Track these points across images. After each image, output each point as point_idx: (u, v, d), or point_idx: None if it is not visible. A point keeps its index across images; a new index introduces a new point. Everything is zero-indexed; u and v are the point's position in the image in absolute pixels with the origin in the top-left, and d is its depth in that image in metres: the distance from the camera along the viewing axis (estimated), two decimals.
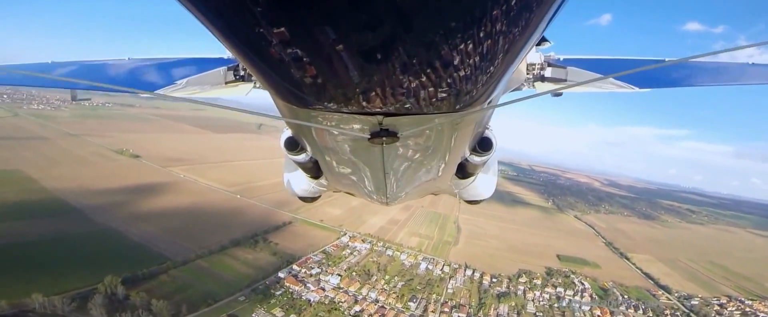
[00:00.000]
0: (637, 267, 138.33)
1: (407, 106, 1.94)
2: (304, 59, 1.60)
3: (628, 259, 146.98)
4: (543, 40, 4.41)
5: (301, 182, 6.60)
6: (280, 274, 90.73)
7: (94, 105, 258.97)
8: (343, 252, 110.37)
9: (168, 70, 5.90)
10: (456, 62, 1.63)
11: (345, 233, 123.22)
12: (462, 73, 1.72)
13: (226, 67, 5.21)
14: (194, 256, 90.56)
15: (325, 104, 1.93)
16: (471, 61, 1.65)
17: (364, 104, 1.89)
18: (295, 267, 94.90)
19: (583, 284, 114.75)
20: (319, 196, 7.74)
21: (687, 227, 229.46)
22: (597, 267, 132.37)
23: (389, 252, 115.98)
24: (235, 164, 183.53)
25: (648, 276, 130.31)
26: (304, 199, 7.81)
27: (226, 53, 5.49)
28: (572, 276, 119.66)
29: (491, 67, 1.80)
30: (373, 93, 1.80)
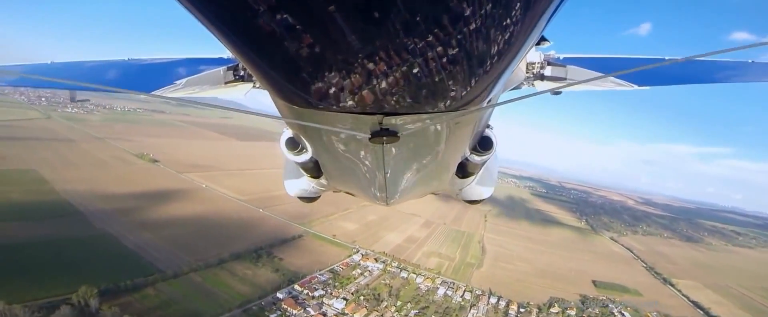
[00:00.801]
0: (682, 295, 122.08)
1: (407, 105, 1.92)
2: (305, 59, 1.58)
3: (672, 285, 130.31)
4: (543, 39, 4.32)
5: (301, 182, 6.60)
6: (279, 295, 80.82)
7: (126, 110, 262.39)
8: (353, 272, 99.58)
9: (166, 71, 5.63)
10: (456, 61, 1.62)
11: (357, 250, 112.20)
12: (462, 72, 1.71)
13: (225, 68, 4.97)
14: (187, 269, 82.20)
15: (326, 103, 1.89)
16: (471, 60, 1.65)
17: (364, 103, 1.86)
18: (296, 286, 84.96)
19: (622, 314, 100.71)
20: (319, 196, 7.60)
21: (735, 251, 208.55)
22: (638, 294, 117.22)
23: (404, 274, 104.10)
24: (254, 173, 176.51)
25: (696, 304, 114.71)
26: (303, 199, 7.68)
27: (226, 53, 5.32)
28: (610, 305, 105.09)
29: (491, 66, 1.78)
30: (374, 93, 1.78)
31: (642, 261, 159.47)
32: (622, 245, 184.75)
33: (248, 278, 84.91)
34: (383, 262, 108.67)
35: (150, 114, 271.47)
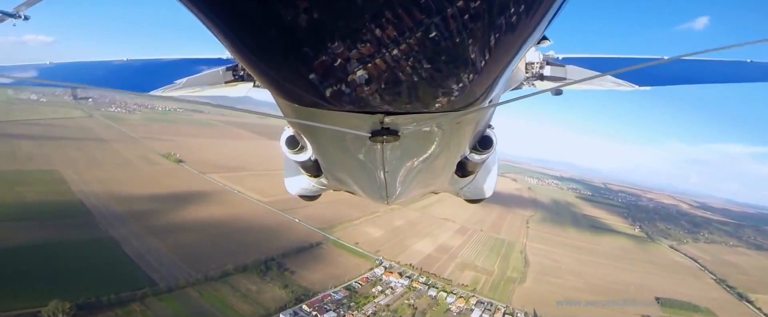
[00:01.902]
0: (763, 314, 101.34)
1: (408, 104, 1.90)
2: (305, 58, 1.56)
3: (750, 302, 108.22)
4: (543, 38, 4.26)
5: (302, 181, 6.52)
6: (282, 316, 68.02)
7: (166, 110, 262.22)
8: (373, 289, 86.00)
9: (166, 71, 5.57)
10: (457, 61, 1.61)
11: (380, 263, 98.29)
12: (463, 71, 1.69)
13: (225, 67, 5.01)
14: (184, 282, 71.79)
15: (326, 102, 1.86)
16: (472, 59, 1.63)
17: (365, 102, 1.83)
18: (304, 307, 72.55)
19: None
20: (319, 195, 7.54)
21: None
22: (711, 314, 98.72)
23: (432, 292, 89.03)
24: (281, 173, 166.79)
25: None
26: (304, 198, 7.64)
27: (225, 53, 5.17)
28: None
29: (492, 66, 1.76)
30: (374, 92, 1.75)
31: (710, 273, 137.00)
32: (684, 254, 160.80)
33: (251, 294, 73.67)
34: (408, 277, 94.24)
35: (189, 114, 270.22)
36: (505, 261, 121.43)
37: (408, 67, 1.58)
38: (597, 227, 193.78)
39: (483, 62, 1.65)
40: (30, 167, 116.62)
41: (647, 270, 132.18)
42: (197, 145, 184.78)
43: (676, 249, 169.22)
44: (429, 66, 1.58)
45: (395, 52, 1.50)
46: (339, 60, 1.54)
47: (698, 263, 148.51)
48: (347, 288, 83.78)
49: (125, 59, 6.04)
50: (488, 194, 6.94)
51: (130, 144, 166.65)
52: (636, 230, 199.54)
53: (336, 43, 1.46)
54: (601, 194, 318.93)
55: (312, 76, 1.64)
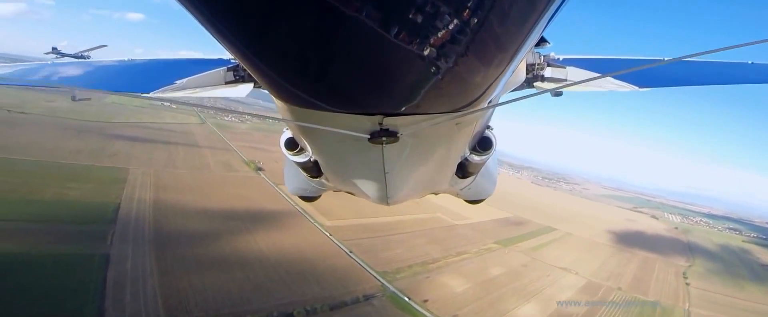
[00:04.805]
0: None
1: (407, 106, 1.83)
2: (305, 60, 1.51)
3: None
4: (542, 40, 4.32)
5: (302, 182, 6.40)
6: None
7: (273, 121, 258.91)
8: None
9: (167, 71, 5.50)
10: (457, 63, 1.54)
11: None
12: (463, 73, 1.63)
13: (225, 68, 4.89)
14: None
15: (326, 104, 1.81)
16: (471, 61, 1.57)
17: (365, 104, 1.79)
18: None
19: None
20: (320, 196, 7.41)
21: None
22: None
23: None
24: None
25: None
26: (304, 198, 7.57)
27: (226, 54, 4.92)
28: None
29: (491, 68, 1.71)
30: (373, 93, 1.70)
31: None
32: None
33: None
34: None
35: None
36: None
37: (407, 69, 1.51)
38: None
39: (480, 64, 1.59)
40: (103, 163, 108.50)
41: None
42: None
43: None
44: (428, 68, 1.51)
45: (393, 53, 1.43)
46: (337, 62, 1.48)
47: None
48: None
49: (126, 60, 5.89)
50: (488, 195, 7.00)
51: (220, 150, 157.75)
52: None
53: (334, 46, 1.40)
54: (761, 232, 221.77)
55: (311, 77, 1.57)
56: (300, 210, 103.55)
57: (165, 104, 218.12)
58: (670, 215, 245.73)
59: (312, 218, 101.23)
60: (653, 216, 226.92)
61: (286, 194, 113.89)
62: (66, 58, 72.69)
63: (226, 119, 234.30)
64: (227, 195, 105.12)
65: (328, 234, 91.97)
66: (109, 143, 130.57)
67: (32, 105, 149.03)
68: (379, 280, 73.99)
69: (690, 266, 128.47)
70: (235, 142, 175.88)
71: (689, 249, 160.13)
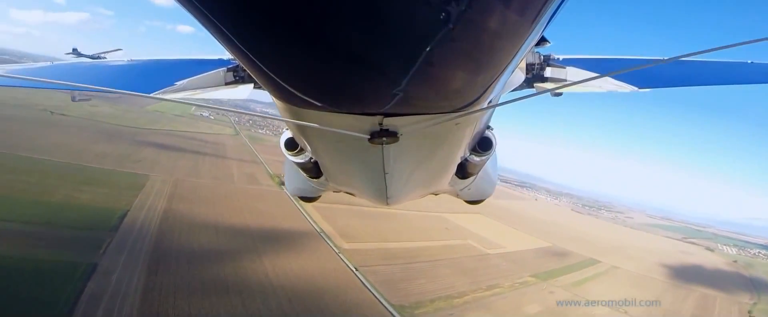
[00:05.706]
0: None
1: (407, 106, 1.80)
2: (305, 60, 1.49)
3: None
4: (542, 40, 4.24)
5: (302, 182, 6.35)
6: None
7: None
8: None
9: (167, 72, 5.34)
10: (456, 63, 1.53)
11: None
12: (462, 73, 1.62)
13: (225, 69, 4.86)
14: None
15: (325, 103, 1.80)
16: (471, 61, 1.55)
17: (364, 104, 1.77)
18: None
19: None
20: (319, 196, 7.36)
21: None
22: None
23: None
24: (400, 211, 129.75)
25: None
26: (304, 199, 7.70)
27: (226, 54, 5.09)
28: None
29: (491, 68, 1.69)
30: (373, 94, 1.68)
31: None
32: None
33: None
34: None
35: None
36: None
37: (406, 69, 1.48)
38: None
39: (480, 64, 1.56)
40: (125, 168, 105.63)
41: None
42: None
43: None
44: (427, 68, 1.48)
45: (393, 53, 1.41)
46: (337, 62, 1.45)
47: None
48: None
49: (126, 60, 5.95)
50: (488, 195, 6.97)
51: (248, 163, 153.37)
52: None
53: (334, 45, 1.38)
54: None
55: (311, 77, 1.55)
56: (317, 230, 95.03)
57: (204, 114, 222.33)
58: (724, 247, 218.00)
59: (329, 238, 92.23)
60: (708, 248, 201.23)
61: (305, 212, 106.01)
62: (83, 58, 70.56)
63: (260, 131, 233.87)
64: (243, 209, 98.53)
65: (344, 258, 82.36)
66: (138, 149, 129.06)
67: (76, 108, 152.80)
68: (394, 315, 63.42)
69: (755, 304, 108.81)
70: (265, 154, 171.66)
71: (752, 285, 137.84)
